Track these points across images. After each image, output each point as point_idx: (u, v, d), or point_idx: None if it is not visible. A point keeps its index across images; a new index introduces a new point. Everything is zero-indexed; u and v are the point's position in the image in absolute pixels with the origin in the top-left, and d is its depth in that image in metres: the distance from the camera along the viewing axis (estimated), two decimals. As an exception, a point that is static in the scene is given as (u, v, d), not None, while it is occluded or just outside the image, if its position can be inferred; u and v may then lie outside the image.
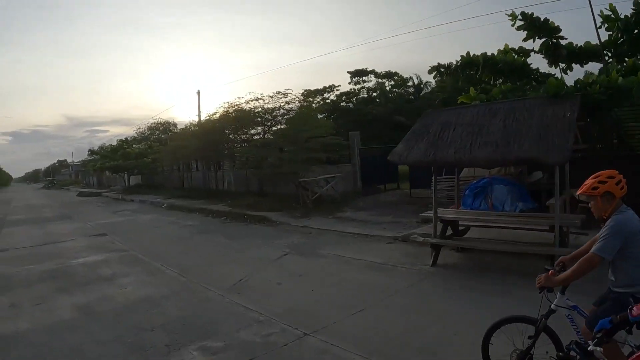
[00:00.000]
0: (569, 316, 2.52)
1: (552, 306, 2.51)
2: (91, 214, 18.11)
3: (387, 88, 28.91)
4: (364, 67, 28.70)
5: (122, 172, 31.89)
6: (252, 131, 17.57)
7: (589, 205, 2.45)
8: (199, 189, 22.44)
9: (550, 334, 2.60)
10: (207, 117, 19.89)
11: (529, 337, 2.62)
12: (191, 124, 23.86)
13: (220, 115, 18.02)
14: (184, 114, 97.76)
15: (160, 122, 37.77)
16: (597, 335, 1.93)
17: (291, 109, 16.47)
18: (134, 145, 33.61)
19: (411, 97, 28.67)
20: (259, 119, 16.88)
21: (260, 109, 16.75)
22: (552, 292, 2.54)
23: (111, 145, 36.70)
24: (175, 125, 36.15)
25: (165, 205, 18.51)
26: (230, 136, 17.99)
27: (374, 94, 28.18)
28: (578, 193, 2.48)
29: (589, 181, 2.41)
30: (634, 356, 2.01)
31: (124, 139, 37.37)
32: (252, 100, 17.06)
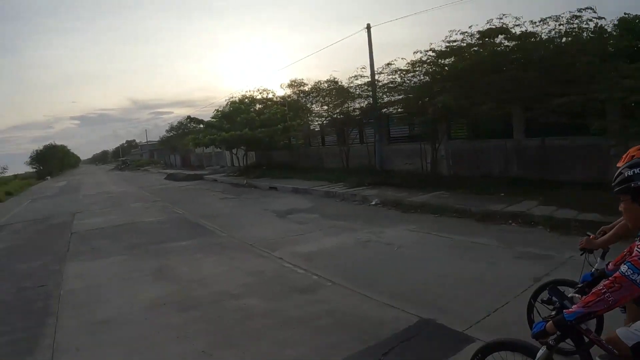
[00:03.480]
0: None
1: (593, 270, 2.60)
2: (232, 217, 10.08)
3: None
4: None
5: (242, 146, 22.45)
6: None
7: None
8: (371, 169, 14.21)
9: None
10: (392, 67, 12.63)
11: None
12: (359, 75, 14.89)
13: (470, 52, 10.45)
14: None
15: (259, 90, 27.29)
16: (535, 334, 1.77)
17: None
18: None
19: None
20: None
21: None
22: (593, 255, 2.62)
23: (219, 110, 26.05)
24: (274, 93, 26.16)
25: (376, 201, 9.94)
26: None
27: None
28: None
29: None
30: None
31: (237, 99, 25.24)
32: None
